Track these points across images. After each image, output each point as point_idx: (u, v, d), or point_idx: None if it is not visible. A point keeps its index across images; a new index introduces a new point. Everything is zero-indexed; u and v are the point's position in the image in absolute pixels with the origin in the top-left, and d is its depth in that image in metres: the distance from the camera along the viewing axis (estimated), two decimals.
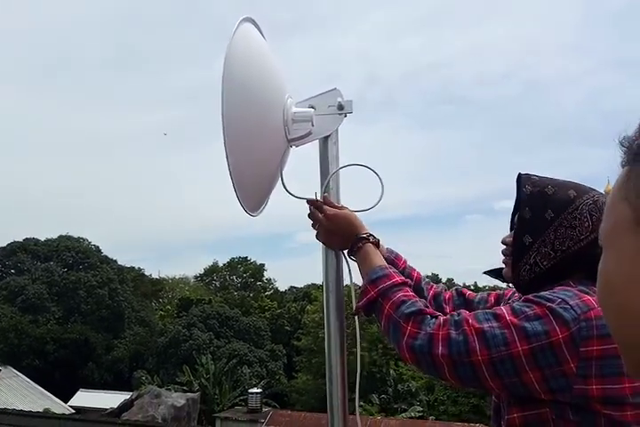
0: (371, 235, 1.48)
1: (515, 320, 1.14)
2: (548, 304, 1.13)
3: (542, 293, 1.19)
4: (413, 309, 1.25)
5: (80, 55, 54.31)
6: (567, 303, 1.13)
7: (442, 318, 1.21)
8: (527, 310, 1.15)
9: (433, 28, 63.87)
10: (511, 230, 1.38)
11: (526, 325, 1.12)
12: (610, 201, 0.59)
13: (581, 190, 1.30)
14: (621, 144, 0.59)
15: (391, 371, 24.53)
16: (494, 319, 1.16)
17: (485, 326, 1.16)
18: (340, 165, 1.57)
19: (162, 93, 59.94)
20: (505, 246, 1.40)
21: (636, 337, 0.54)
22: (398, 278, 1.35)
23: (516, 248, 1.32)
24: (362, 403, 22.24)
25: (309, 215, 1.55)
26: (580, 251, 1.24)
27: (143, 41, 61.56)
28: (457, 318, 1.20)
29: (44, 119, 52.29)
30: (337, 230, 1.50)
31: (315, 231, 1.54)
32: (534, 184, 1.33)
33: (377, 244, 1.49)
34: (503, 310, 1.18)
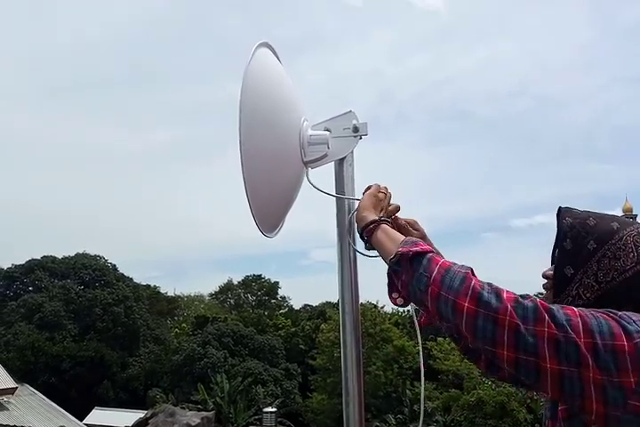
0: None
1: (582, 313, 1.09)
2: (612, 315, 1.10)
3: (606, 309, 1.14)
4: (472, 271, 1.20)
5: (93, 73, 55.50)
6: (630, 318, 1.09)
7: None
8: (594, 312, 1.11)
9: (442, 46, 64.45)
10: (552, 265, 1.34)
11: (593, 321, 1.07)
12: None
13: (625, 222, 1.27)
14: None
15: (407, 391, 24.20)
16: (561, 307, 1.12)
17: (553, 307, 1.10)
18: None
19: (176, 110, 60.88)
20: (546, 281, 1.35)
21: None
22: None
23: (557, 280, 1.28)
24: (377, 423, 21.93)
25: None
26: (625, 282, 1.20)
27: (153, 59, 62.82)
28: (522, 294, 1.14)
29: (60, 137, 53.26)
30: (360, 208, 1.51)
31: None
32: (575, 216, 1.30)
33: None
34: (570, 306, 1.14)
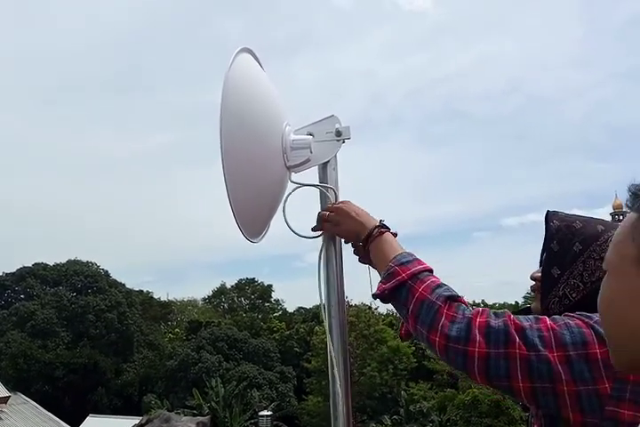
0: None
1: (554, 326, 1.11)
2: (587, 320, 1.12)
3: (581, 312, 1.16)
4: (451, 293, 1.20)
5: (93, 77, 55.27)
6: None
7: (480, 309, 1.17)
8: (568, 320, 1.13)
9: (436, 46, 64.67)
10: (540, 267, 1.37)
11: (565, 332, 1.10)
12: (618, 237, 0.76)
13: (610, 225, 1.31)
14: (632, 192, 0.75)
15: (402, 392, 24.23)
16: (535, 321, 1.13)
17: (526, 324, 1.12)
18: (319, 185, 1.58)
19: (170, 114, 60.69)
20: (534, 282, 1.38)
21: (626, 341, 0.75)
22: (428, 266, 1.29)
23: (544, 281, 1.31)
24: (374, 424, 21.95)
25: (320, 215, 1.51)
26: None
27: (152, 62, 62.62)
28: (497, 311, 1.16)
29: (55, 143, 53.02)
30: (352, 215, 1.44)
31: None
32: (562, 219, 1.34)
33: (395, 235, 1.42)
34: (545, 316, 1.16)
